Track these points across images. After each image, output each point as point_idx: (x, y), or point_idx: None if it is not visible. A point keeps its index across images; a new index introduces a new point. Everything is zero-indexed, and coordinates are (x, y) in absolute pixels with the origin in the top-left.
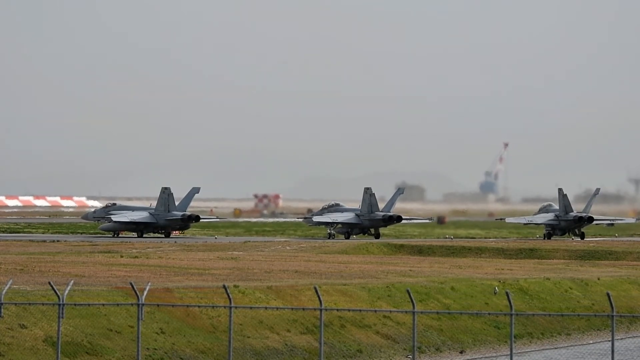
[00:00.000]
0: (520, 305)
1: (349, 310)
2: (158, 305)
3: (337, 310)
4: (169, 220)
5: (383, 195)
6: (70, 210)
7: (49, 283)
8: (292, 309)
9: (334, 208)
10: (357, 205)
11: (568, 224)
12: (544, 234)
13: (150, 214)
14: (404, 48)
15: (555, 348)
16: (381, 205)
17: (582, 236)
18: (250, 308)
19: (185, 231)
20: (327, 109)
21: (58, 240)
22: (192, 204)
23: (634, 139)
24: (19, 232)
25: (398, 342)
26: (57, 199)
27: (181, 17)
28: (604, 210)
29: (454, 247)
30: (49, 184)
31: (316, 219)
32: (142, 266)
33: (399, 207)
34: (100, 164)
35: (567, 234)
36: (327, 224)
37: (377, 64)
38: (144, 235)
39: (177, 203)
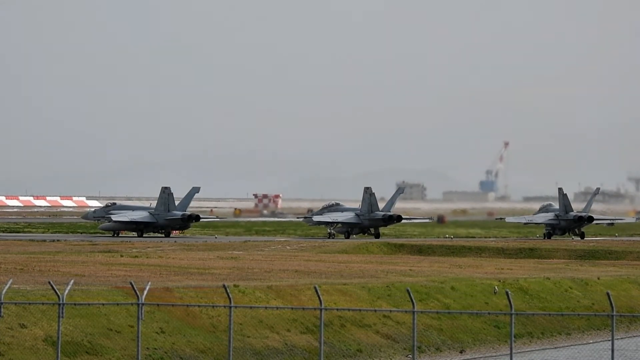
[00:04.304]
0: (520, 305)
1: (349, 309)
2: (158, 304)
3: (337, 309)
4: (169, 220)
5: (383, 194)
6: (70, 210)
7: (49, 282)
8: (292, 308)
9: (334, 208)
10: (357, 204)
11: (568, 223)
12: (544, 234)
13: (150, 213)
14: (403, 48)
15: (555, 348)
16: (381, 205)
17: (582, 236)
18: (250, 308)
19: (185, 231)
20: (326, 108)
21: (58, 240)
22: (192, 203)
23: (634, 139)
24: (19, 232)
25: (398, 342)
26: (57, 199)
27: (181, 18)
28: (604, 209)
29: (454, 247)
30: (49, 184)
31: (316, 218)
32: (142, 266)
33: (399, 206)
34: (100, 164)
35: (567, 233)
36: (327, 223)
37: (377, 64)
38: (144, 235)
39: (177, 203)
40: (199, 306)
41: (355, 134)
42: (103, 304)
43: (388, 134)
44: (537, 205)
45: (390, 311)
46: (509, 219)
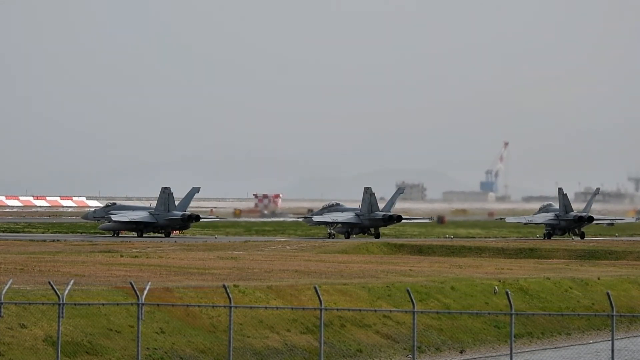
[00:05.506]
0: (520, 305)
1: (349, 310)
2: (158, 304)
3: (337, 310)
4: (169, 220)
5: (383, 194)
6: (70, 210)
7: (49, 283)
8: (292, 308)
9: (334, 208)
10: (357, 204)
11: (568, 223)
12: (544, 234)
13: (150, 213)
14: (403, 49)
15: (555, 348)
16: (381, 205)
17: (582, 236)
18: (250, 308)
19: (185, 231)
20: (326, 109)
21: (58, 240)
22: (192, 203)
23: (634, 139)
24: (19, 232)
25: (398, 342)
26: (57, 199)
27: (181, 18)
28: (604, 209)
29: (454, 247)
30: (49, 184)
31: (316, 218)
32: (142, 266)
33: (399, 206)
34: (100, 164)
35: (567, 233)
36: (327, 223)
37: (377, 65)
38: (144, 235)
39: (177, 203)
40: (199, 306)
41: (355, 134)
42: (103, 304)
43: (388, 134)
44: (537, 205)
45: (390, 311)
46: (509, 219)
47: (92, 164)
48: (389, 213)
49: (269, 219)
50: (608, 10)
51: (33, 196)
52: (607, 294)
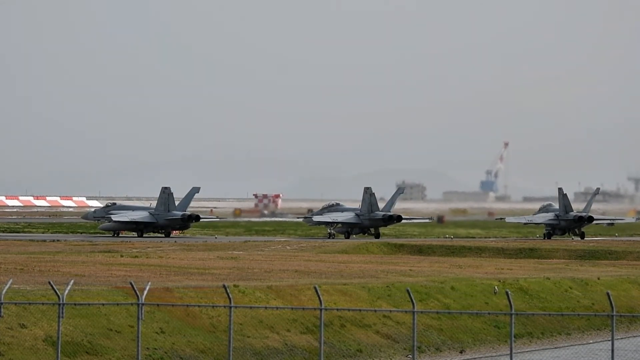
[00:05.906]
0: (520, 305)
1: (349, 310)
2: (158, 304)
3: (337, 310)
4: (169, 220)
5: (383, 194)
6: (70, 210)
7: (49, 283)
8: (292, 308)
9: (334, 208)
10: (357, 204)
11: (568, 223)
12: (544, 234)
13: (151, 213)
14: (403, 47)
15: (555, 348)
16: (381, 205)
17: (582, 236)
18: (250, 308)
19: (185, 231)
20: (326, 109)
21: (58, 240)
22: (192, 203)
23: (634, 139)
24: (19, 232)
25: (398, 342)
26: (57, 199)
27: (181, 18)
28: (604, 209)
29: (454, 247)
30: (49, 184)
31: (316, 218)
32: (142, 266)
33: (399, 206)
34: (100, 164)
35: (567, 233)
36: (327, 223)
37: (377, 65)
38: (144, 235)
39: (177, 203)
40: (199, 306)
41: (355, 134)
42: (103, 304)
43: (388, 134)
44: (537, 205)
45: (390, 311)
46: (509, 219)
47: (92, 164)
48: (389, 213)
49: (269, 219)
50: (608, 10)
51: (33, 196)
52: (607, 294)
